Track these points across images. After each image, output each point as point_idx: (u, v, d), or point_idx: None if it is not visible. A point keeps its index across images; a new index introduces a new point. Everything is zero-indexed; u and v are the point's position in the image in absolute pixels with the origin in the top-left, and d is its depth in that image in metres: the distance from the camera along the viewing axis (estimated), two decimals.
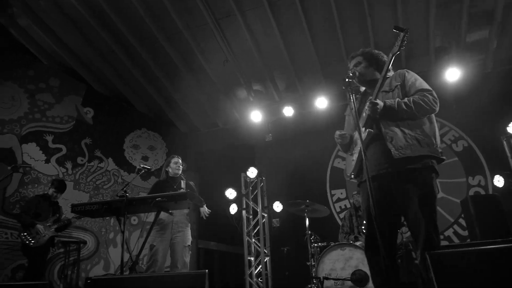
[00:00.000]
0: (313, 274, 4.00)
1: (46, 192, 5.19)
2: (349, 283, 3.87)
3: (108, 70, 6.62)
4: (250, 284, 5.90)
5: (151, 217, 7.04)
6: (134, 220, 6.75)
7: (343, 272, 3.95)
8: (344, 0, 5.29)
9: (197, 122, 7.74)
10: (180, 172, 4.14)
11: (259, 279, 5.88)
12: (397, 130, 2.23)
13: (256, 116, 6.78)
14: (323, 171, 6.66)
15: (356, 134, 2.42)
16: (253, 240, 6.15)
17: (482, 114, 5.70)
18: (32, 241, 4.56)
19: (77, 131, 6.49)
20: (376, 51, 2.62)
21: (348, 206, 6.30)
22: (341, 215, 6.11)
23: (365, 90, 2.59)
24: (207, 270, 2.30)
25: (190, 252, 3.89)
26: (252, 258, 6.03)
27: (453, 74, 5.67)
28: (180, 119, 7.73)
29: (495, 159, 5.54)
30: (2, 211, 5.38)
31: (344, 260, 4.00)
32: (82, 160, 6.43)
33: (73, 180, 6.22)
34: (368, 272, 3.86)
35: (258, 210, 6.13)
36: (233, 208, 6.08)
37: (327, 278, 3.91)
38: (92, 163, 6.54)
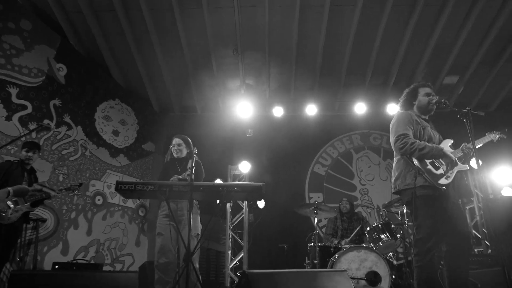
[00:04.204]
0: None
1: (18, 159, 4.08)
2: (363, 282, 4.25)
3: (93, 24, 5.78)
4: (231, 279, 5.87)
5: (116, 198, 6.31)
6: (99, 200, 5.98)
7: (358, 272, 4.30)
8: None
9: (174, 102, 7.24)
10: (183, 154, 3.67)
11: (238, 273, 5.85)
12: None
13: (242, 109, 6.69)
14: (303, 175, 6.97)
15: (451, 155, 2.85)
16: (231, 234, 6.09)
17: None
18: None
19: (47, 88, 5.47)
20: None
21: None
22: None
23: (424, 118, 3.06)
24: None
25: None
26: (229, 252, 5.98)
27: None
28: (156, 95, 7.13)
29: None
30: None
31: (359, 261, 4.36)
32: (49, 124, 5.42)
33: None
34: (381, 273, 4.32)
35: (243, 205, 6.09)
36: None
37: None
38: (59, 129, 5.59)
